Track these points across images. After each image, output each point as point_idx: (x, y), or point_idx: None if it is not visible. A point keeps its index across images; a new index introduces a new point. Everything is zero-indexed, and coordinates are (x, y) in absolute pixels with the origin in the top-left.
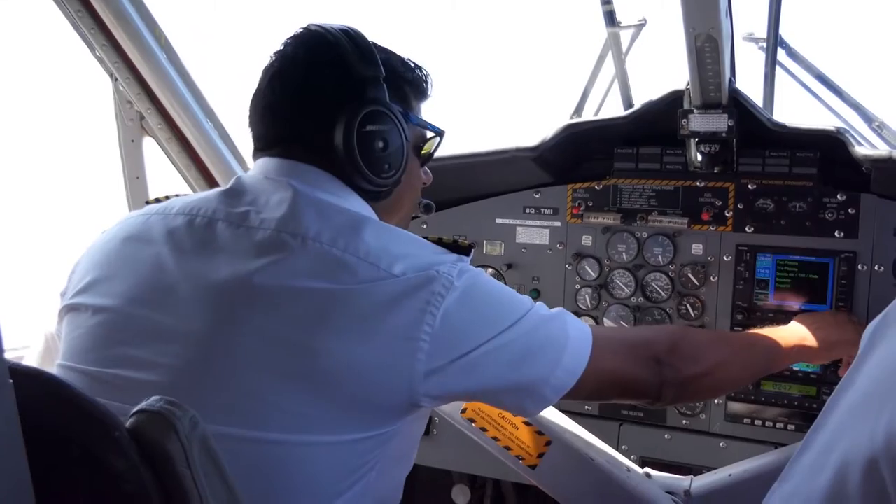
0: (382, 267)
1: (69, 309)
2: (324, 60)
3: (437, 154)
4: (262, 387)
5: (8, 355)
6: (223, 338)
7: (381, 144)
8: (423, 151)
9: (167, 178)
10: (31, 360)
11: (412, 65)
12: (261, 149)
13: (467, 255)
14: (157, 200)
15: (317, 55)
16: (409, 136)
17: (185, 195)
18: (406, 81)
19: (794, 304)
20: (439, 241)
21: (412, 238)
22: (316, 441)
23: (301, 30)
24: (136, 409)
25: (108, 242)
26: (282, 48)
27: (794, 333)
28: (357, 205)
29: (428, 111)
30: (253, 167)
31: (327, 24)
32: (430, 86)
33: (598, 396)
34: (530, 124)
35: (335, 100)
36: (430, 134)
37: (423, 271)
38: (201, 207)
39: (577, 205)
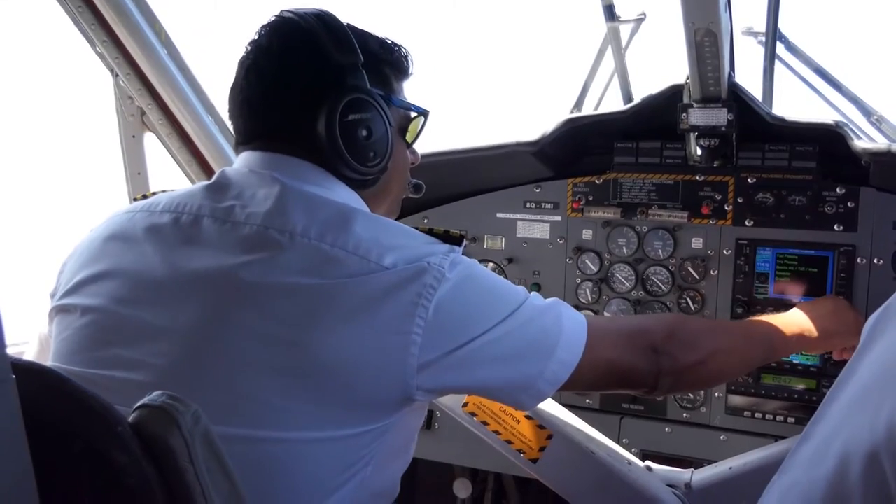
0: (372, 259)
1: (59, 310)
2: (299, 50)
3: (437, 149)
4: (254, 385)
5: (9, 350)
6: (213, 335)
7: (364, 133)
8: (408, 133)
9: (169, 174)
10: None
11: (390, 45)
12: (242, 142)
13: (459, 245)
14: (145, 197)
15: (291, 45)
16: (393, 120)
17: (171, 191)
18: (386, 63)
19: (794, 297)
20: (430, 232)
21: (402, 229)
22: (310, 437)
23: (274, 17)
24: (138, 404)
25: (95, 241)
26: (256, 38)
27: (793, 322)
28: (344, 195)
29: (418, 95)
30: (236, 161)
31: (301, 9)
32: (410, 64)
33: (595, 387)
34: (530, 119)
35: (314, 90)
36: (414, 114)
37: (414, 263)
38: (186, 204)
39: (577, 199)
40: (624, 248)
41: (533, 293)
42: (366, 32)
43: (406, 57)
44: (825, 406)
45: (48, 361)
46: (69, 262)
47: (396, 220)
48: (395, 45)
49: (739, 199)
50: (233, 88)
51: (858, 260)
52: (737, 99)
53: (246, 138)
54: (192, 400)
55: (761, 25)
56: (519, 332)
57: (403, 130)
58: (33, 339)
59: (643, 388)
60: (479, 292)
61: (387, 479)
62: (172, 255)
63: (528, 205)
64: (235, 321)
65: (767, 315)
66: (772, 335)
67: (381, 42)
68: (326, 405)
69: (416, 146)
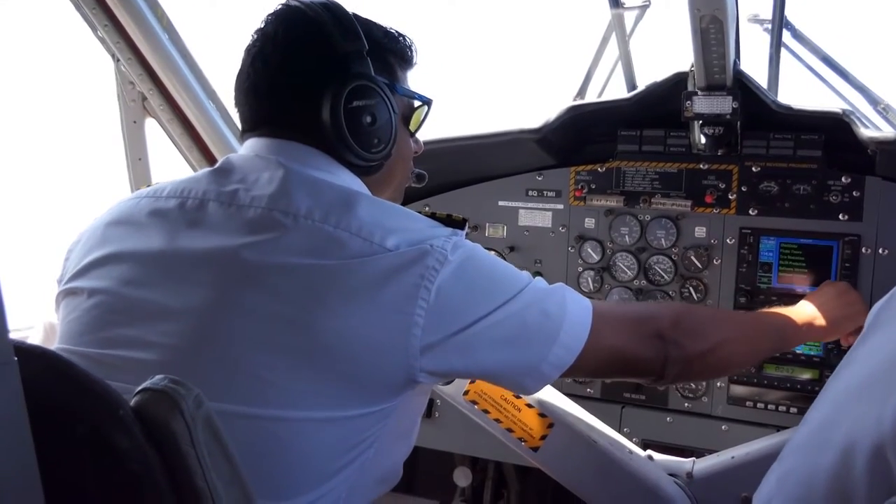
0: (375, 241)
1: (66, 293)
2: (305, 37)
3: (439, 136)
4: (258, 363)
5: (12, 335)
6: (218, 315)
7: (368, 120)
8: (411, 121)
9: (170, 160)
10: None
11: (395, 34)
12: (248, 129)
13: (461, 228)
14: (149, 187)
15: (297, 32)
16: (397, 108)
17: (177, 178)
18: (390, 52)
19: (798, 287)
20: (433, 216)
21: (405, 212)
22: (314, 417)
23: (280, 6)
24: (140, 387)
25: (100, 227)
26: (262, 26)
27: (802, 312)
28: (348, 180)
29: (421, 82)
30: (242, 147)
31: None
32: (414, 53)
33: (600, 373)
34: (534, 106)
35: (319, 77)
36: (418, 103)
37: (417, 245)
38: (192, 189)
39: (579, 187)
40: (626, 236)
41: (537, 277)
42: (371, 22)
43: (410, 47)
44: (826, 392)
45: (54, 346)
46: (75, 248)
47: None
48: (400, 34)
49: (743, 188)
50: (239, 76)
51: (863, 250)
52: (742, 87)
53: (251, 125)
54: (198, 378)
55: (767, 12)
56: (522, 314)
57: (407, 119)
58: (38, 326)
59: (649, 376)
60: (482, 275)
61: (389, 464)
62: (178, 238)
63: (530, 193)
64: (239, 301)
65: (776, 307)
66: (782, 325)
67: (386, 31)
68: (329, 385)
69: (418, 134)
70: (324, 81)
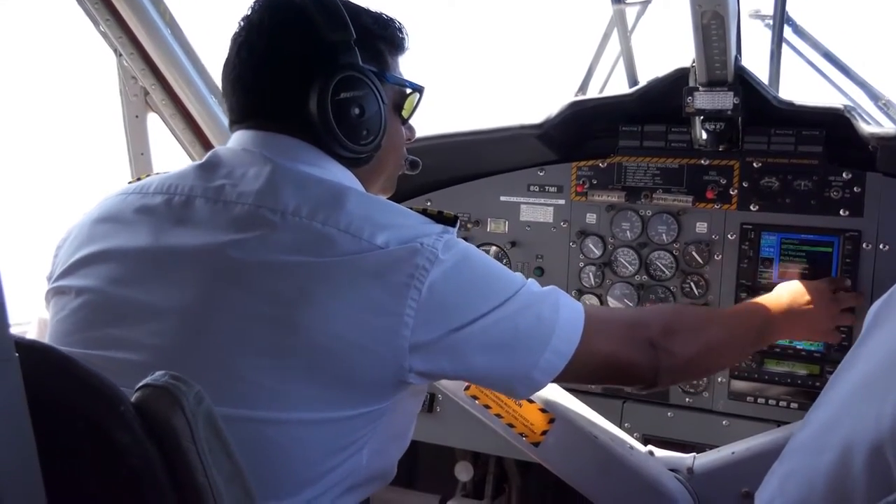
0: (364, 238)
1: (55, 292)
2: (290, 27)
3: (441, 131)
4: (247, 364)
5: (12, 330)
6: (205, 315)
7: (357, 111)
8: (404, 109)
9: (172, 155)
10: None
11: (385, 19)
12: (236, 121)
13: (453, 226)
14: (139, 180)
15: (282, 21)
16: (387, 97)
17: (164, 173)
18: (380, 38)
19: None
20: (423, 212)
21: (396, 208)
22: (303, 418)
23: None
24: (141, 383)
25: (88, 224)
26: (248, 14)
27: (779, 307)
28: (337, 173)
29: (422, 77)
30: (230, 140)
31: None
32: (405, 38)
33: (592, 379)
34: (535, 102)
35: (305, 68)
36: (409, 90)
37: (407, 243)
38: (178, 185)
39: (581, 183)
40: (628, 232)
41: (530, 280)
42: (360, 7)
43: (401, 30)
44: (826, 393)
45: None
46: (64, 245)
47: (398, 200)
48: (390, 19)
49: (744, 184)
50: (225, 66)
51: (864, 245)
52: (743, 82)
53: (239, 117)
54: None
55: (769, 8)
56: (514, 318)
57: (398, 107)
58: (33, 322)
59: (641, 383)
60: (474, 276)
61: (383, 462)
62: (164, 236)
63: (531, 188)
64: (226, 300)
65: (759, 298)
66: (762, 323)
67: (376, 17)
68: (318, 386)
69: (417, 126)
70: (310, 72)
